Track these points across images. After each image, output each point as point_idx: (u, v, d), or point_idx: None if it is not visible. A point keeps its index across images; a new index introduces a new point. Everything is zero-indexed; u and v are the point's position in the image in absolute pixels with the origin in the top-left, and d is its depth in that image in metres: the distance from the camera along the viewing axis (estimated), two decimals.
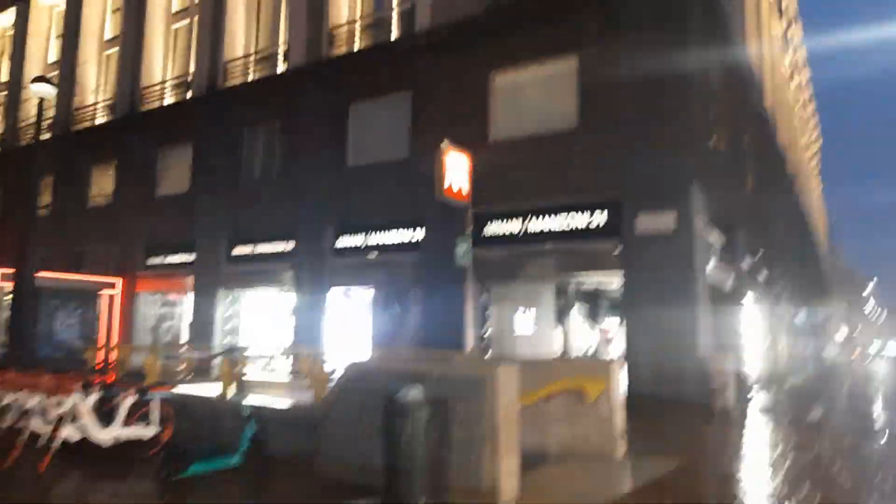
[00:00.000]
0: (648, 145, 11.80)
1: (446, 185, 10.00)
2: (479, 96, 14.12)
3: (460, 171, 10.55)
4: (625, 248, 11.89)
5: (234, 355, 6.45)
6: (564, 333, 17.03)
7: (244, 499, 5.27)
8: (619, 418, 7.28)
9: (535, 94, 13.59)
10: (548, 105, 13.31)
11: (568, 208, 12.77)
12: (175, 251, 19.80)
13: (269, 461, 5.91)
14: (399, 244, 15.22)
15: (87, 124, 23.53)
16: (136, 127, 21.14)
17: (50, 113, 25.02)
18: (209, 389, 8.15)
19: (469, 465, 5.10)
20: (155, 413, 6.31)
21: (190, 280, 19.03)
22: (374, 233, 15.66)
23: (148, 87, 21.66)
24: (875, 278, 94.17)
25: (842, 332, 64.14)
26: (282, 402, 6.67)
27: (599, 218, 12.43)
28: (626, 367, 11.59)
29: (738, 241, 15.65)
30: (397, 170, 15.06)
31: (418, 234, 14.85)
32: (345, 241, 16.20)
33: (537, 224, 13.19)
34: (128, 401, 6.19)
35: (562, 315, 17.01)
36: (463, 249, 10.49)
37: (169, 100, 21.08)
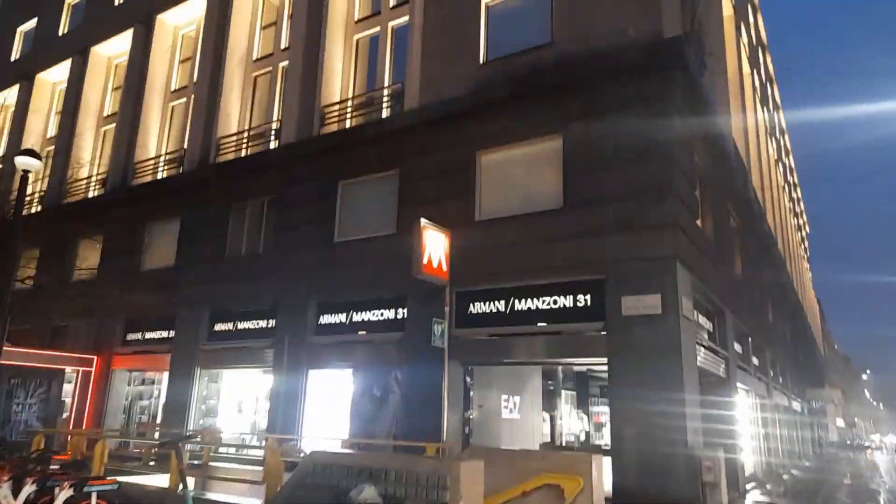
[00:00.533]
0: (632, 225, 11.72)
1: (424, 262, 9.79)
2: (466, 175, 14.19)
3: (438, 248, 10.40)
4: (610, 330, 11.57)
5: (179, 444, 5.95)
6: (553, 419, 16.44)
7: None
8: None
9: (521, 172, 13.66)
10: (533, 184, 13.35)
11: (553, 289, 12.53)
12: (155, 327, 19.33)
13: None
14: (381, 322, 14.87)
15: (79, 197, 23.59)
16: (125, 200, 21.18)
17: (43, 186, 25.31)
18: (164, 480, 7.58)
19: None
20: None
21: (168, 357, 18.46)
22: (357, 312, 15.35)
23: (141, 161, 21.87)
24: (868, 371, 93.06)
25: (839, 422, 62.61)
26: (237, 498, 6.12)
27: (584, 299, 12.18)
28: (610, 458, 11.04)
29: (727, 325, 15.36)
30: (382, 247, 14.92)
31: (401, 313, 14.53)
32: (327, 319, 15.84)
33: (522, 304, 12.92)
34: (62, 496, 5.66)
35: (550, 400, 16.47)
36: (439, 330, 10.15)
37: (161, 175, 21.21)
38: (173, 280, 18.89)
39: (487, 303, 13.39)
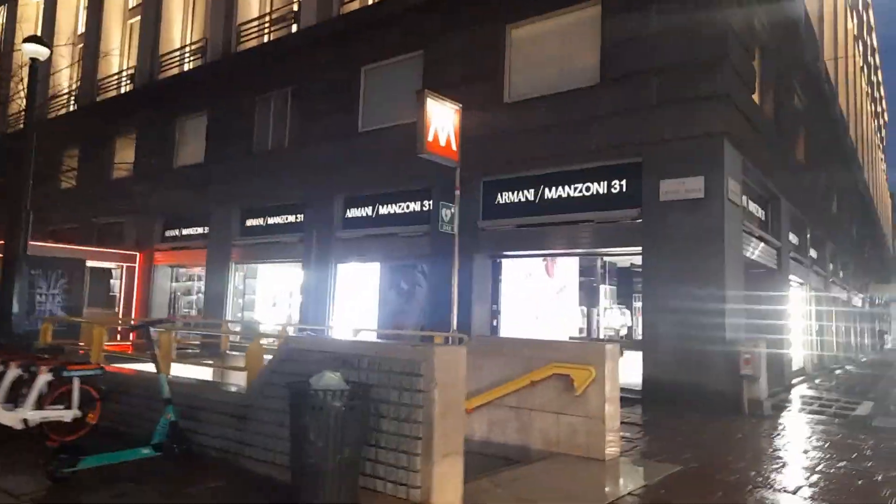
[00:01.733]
0: (676, 99, 10.46)
1: (429, 139, 8.92)
2: (495, 53, 12.94)
3: (447, 123, 9.43)
4: (646, 217, 10.63)
5: (147, 329, 5.62)
6: (590, 313, 15.90)
7: (138, 500, 4.47)
8: (613, 413, 6.19)
9: (554, 47, 12.31)
10: (567, 59, 12.04)
11: (586, 174, 11.57)
12: (191, 224, 19.42)
13: (189, 455, 5.12)
14: (408, 214, 14.30)
15: (112, 94, 23.34)
16: (153, 96, 20.74)
17: (76, 84, 25.16)
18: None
19: (398, 468, 4.17)
20: (74, 394, 5.59)
21: (204, 253, 18.60)
22: (383, 205, 14.79)
23: (166, 54, 21.22)
24: None
25: None
26: (215, 385, 5.83)
27: (619, 184, 11.19)
28: (643, 352, 10.46)
29: (782, 213, 14.07)
30: (407, 135, 14.02)
31: (427, 205, 13.88)
32: (354, 213, 15.39)
33: (553, 192, 12.03)
34: (40, 380, 5.48)
35: (589, 294, 15.87)
36: (448, 215, 9.45)
37: (186, 67, 20.57)
38: (204, 176, 18.68)
39: (516, 192, 12.56)
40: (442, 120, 9.27)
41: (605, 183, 11.36)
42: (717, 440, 7.52)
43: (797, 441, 7.58)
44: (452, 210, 9.70)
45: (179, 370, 6.96)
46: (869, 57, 39.58)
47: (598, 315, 16.49)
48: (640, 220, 10.77)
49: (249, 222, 17.81)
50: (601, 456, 6.02)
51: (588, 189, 11.57)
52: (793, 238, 15.74)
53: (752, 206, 12.76)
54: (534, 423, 6.49)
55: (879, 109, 48.22)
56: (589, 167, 11.52)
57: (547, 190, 12.12)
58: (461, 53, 13.42)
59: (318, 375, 3.99)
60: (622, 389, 11.16)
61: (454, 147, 9.38)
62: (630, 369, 10.52)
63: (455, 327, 9.98)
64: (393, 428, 4.23)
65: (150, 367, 5.84)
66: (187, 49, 20.84)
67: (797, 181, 15.66)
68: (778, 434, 8.01)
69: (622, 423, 8.37)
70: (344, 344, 5.05)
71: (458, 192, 9.94)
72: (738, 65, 10.69)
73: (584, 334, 15.17)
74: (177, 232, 19.93)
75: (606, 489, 5.24)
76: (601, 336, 16.43)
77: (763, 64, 13.10)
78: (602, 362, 6.12)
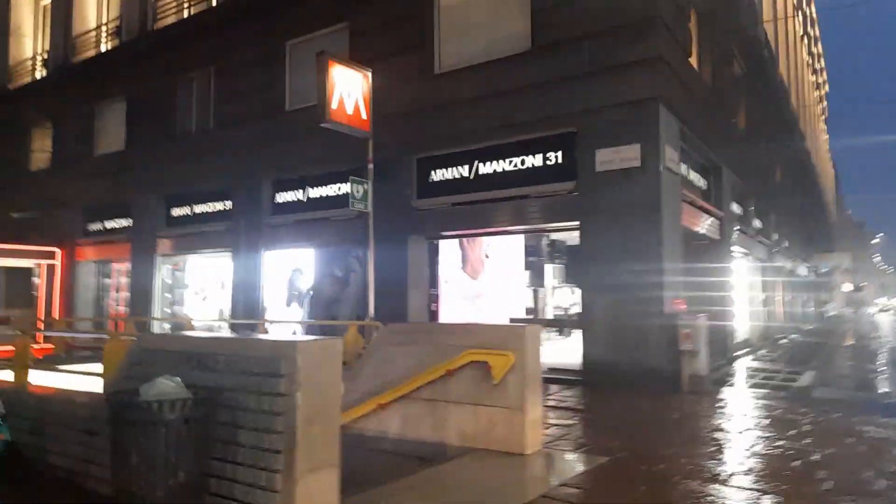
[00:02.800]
0: (609, 65, 9.92)
1: (333, 106, 8.15)
2: (423, 21, 12.19)
3: (354, 89, 8.67)
4: (582, 190, 10.12)
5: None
6: (536, 293, 15.45)
7: None
8: (534, 401, 5.64)
9: (484, 13, 11.64)
10: (498, 26, 11.39)
11: (519, 147, 10.99)
12: (113, 215, 18.21)
13: (28, 477, 4.35)
14: (340, 197, 13.47)
15: (26, 80, 21.69)
16: (69, 80, 19.30)
17: None
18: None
19: (256, 487, 3.49)
20: None
21: (129, 246, 17.45)
22: (314, 187, 13.96)
23: (81, 34, 19.76)
24: (882, 234, 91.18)
25: (846, 287, 62.26)
26: (67, 395, 5.03)
27: (554, 156, 10.64)
28: (582, 331, 10.00)
29: (724, 183, 13.80)
30: None
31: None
32: (284, 197, 14.51)
33: (487, 167, 11.42)
34: None
35: (536, 274, 15.40)
36: (360, 191, 8.73)
37: (103, 48, 19.17)
38: (125, 164, 17.49)
39: (451, 168, 11.91)
40: (348, 86, 8.51)
41: (541, 155, 10.81)
42: (652, 423, 7.07)
43: (736, 418, 7.20)
44: (365, 186, 8.97)
45: (41, 378, 6.13)
46: (809, 28, 40.11)
47: (546, 294, 16.11)
48: (576, 193, 10.26)
49: (175, 212, 16.74)
50: (521, 450, 5.46)
51: (524, 163, 11.00)
52: (735, 208, 15.54)
53: (693, 176, 12.41)
54: (450, 416, 5.90)
55: (820, 80, 49.18)
56: (524, 139, 10.94)
57: (482, 165, 11.51)
58: (387, 24, 12.65)
59: (150, 383, 3.28)
60: (563, 371, 10.78)
61: (364, 115, 8.62)
62: (575, 350, 10.08)
63: (372, 314, 9.31)
64: (251, 440, 3.55)
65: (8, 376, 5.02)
66: (103, 29, 19.42)
67: (739, 150, 15.43)
68: (716, 412, 7.63)
69: (557, 407, 7.90)
70: (198, 341, 4.32)
71: (370, 166, 9.26)
72: (671, 26, 10.21)
73: (533, 316, 14.72)
74: (100, 225, 18.67)
75: (517, 491, 4.67)
76: (551, 316, 16.06)
77: (700, 28, 12.70)
78: (521, 346, 5.54)
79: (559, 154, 10.58)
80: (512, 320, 11.99)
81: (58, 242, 18.97)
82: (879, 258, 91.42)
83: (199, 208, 16.18)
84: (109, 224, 18.34)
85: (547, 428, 6.65)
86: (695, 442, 6.08)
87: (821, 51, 49.77)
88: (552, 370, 10.71)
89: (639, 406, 7.99)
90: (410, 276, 12.10)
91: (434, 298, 12.63)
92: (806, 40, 37.58)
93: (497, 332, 5.77)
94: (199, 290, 16.77)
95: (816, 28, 46.11)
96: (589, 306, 9.90)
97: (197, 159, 15.70)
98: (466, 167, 11.68)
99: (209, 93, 16.02)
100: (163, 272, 16.96)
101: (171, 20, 17.05)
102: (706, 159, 13.00)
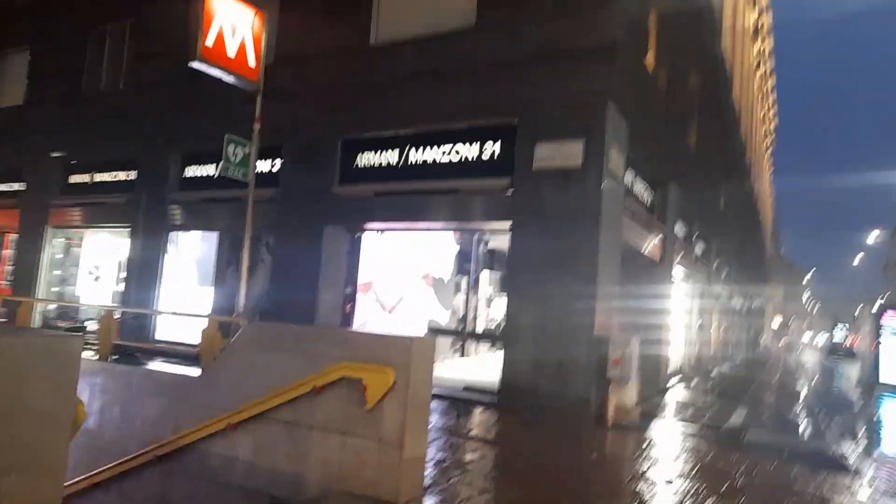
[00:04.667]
0: (557, 51, 8.89)
1: (208, 43, 6.77)
2: None
3: (241, 27, 7.28)
4: (517, 188, 9.04)
5: None
6: (467, 302, 14.32)
7: None
8: (416, 435, 4.44)
9: None
10: None
11: (455, 135, 9.83)
12: (3, 178, 16.13)
13: None
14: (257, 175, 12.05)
15: None
16: None
17: None
18: None
19: None
20: None
21: (17, 213, 15.45)
22: None
23: None
24: (813, 269, 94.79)
25: (776, 321, 63.97)
26: None
27: (492, 148, 9.54)
28: (504, 348, 8.89)
29: (669, 200, 13.03)
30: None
31: (276, 165, 11.73)
32: (194, 171, 12.94)
33: (419, 155, 10.21)
34: None
35: (470, 276, 14.28)
36: (238, 152, 7.37)
37: None
38: (22, 121, 15.50)
39: (379, 152, 10.65)
40: (233, 22, 7.11)
41: (478, 145, 9.66)
42: (567, 466, 5.97)
43: (660, 465, 6.19)
44: (246, 149, 7.60)
45: None
46: (763, 62, 40.73)
47: (478, 304, 14.99)
48: (510, 191, 9.16)
49: (73, 178, 14.88)
50: (394, 498, 4.24)
51: (457, 153, 9.83)
52: (679, 229, 14.85)
53: (639, 188, 11.53)
54: (312, 446, 4.64)
55: (770, 115, 50.28)
56: (461, 127, 9.80)
57: (413, 151, 10.29)
58: None
59: None
60: (479, 391, 9.65)
61: (251, 63, 7.25)
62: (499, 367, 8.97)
63: (242, 309, 7.95)
64: None
65: None
66: None
67: (687, 168, 14.74)
68: (640, 454, 6.61)
69: (460, 435, 6.73)
70: None
71: (257, 126, 7.90)
72: (628, 15, 9.28)
73: (461, 327, 13.59)
74: None
75: None
76: (480, 330, 14.95)
77: (660, 31, 11.88)
78: (406, 363, 4.33)
79: (496, 146, 9.47)
80: (431, 331, 10.78)
81: None
82: (807, 295, 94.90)
83: (101, 177, 14.38)
84: (0, 186, 16.25)
85: (439, 464, 5.46)
86: (612, 496, 5.01)
87: (773, 84, 50.85)
88: (468, 389, 9.57)
89: (556, 442, 6.91)
90: (324, 272, 10.77)
91: (349, 299, 11.32)
92: (759, 71, 38.04)
93: (379, 342, 4.54)
94: (92, 269, 14.92)
95: (772, 60, 47.00)
96: (513, 319, 8.79)
97: (102, 122, 13.95)
98: (396, 153, 10.45)
99: (123, 51, 14.29)
100: (54, 246, 15.04)
101: None
102: (653, 172, 12.17)
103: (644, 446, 6.96)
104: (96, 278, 14.83)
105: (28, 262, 14.82)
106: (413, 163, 10.26)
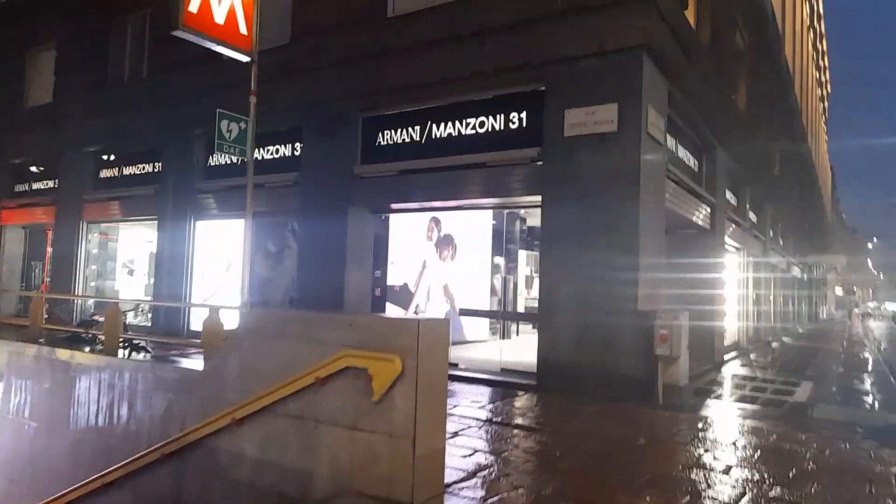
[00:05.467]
0: (586, 7, 8.17)
1: (192, 8, 6.33)
2: None
3: None
4: (547, 158, 8.40)
5: None
6: (506, 282, 13.78)
7: None
8: (430, 428, 3.96)
9: None
10: None
11: (479, 107, 9.26)
12: (41, 175, 16.38)
13: None
14: (276, 161, 11.77)
15: None
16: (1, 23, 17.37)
17: None
18: None
19: None
20: None
21: (53, 210, 15.62)
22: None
23: None
24: (875, 239, 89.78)
25: (839, 290, 61.01)
26: None
27: (518, 118, 8.92)
28: (539, 327, 8.31)
29: (718, 165, 12.12)
30: (272, 59, 11.47)
31: (298, 149, 11.39)
32: (217, 158, 12.74)
33: (441, 130, 9.69)
34: None
35: (508, 259, 13.74)
36: (232, 129, 6.95)
37: None
38: (53, 117, 15.62)
39: (400, 130, 10.18)
40: None
41: (503, 116, 9.08)
42: (612, 452, 5.40)
43: (720, 448, 5.55)
44: (242, 125, 7.18)
45: None
46: (815, 22, 38.33)
47: (514, 286, 14.44)
48: (540, 162, 8.53)
49: (104, 173, 14.93)
50: (407, 497, 3.79)
51: (482, 125, 9.27)
52: (730, 196, 13.88)
53: (683, 153, 10.72)
54: (322, 440, 4.22)
55: (823, 79, 47.48)
56: (485, 98, 9.21)
57: (435, 127, 9.77)
58: None
59: None
60: (518, 374, 9.13)
61: (243, 30, 6.80)
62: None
63: (247, 297, 7.57)
64: None
65: None
66: None
67: (737, 132, 13.72)
68: (694, 437, 5.97)
69: (494, 422, 6.24)
70: None
71: (253, 99, 7.47)
72: None
73: (500, 307, 13.07)
74: (26, 185, 16.82)
75: None
76: (522, 310, 14.37)
77: None
78: (414, 348, 3.84)
79: (524, 115, 8.85)
80: (462, 311, 10.28)
81: None
82: (870, 263, 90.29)
83: (130, 169, 14.38)
84: (37, 184, 16.51)
85: (469, 454, 4.99)
86: (663, 486, 4.43)
87: (825, 48, 47.96)
88: (505, 371, 9.07)
89: (600, 425, 6.33)
90: (350, 256, 10.38)
91: (379, 282, 10.93)
92: (812, 34, 35.78)
93: (385, 326, 4.06)
94: (126, 263, 14.99)
95: (822, 24, 44.27)
96: (548, 297, 8.20)
97: (128, 113, 13.86)
98: (418, 129, 9.95)
99: (144, 37, 14.17)
100: (90, 241, 15.15)
101: None
102: (699, 135, 11.31)
103: (699, 428, 6.32)
104: (130, 272, 14.87)
105: (66, 258, 14.96)
106: (437, 137, 9.74)
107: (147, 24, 14.12)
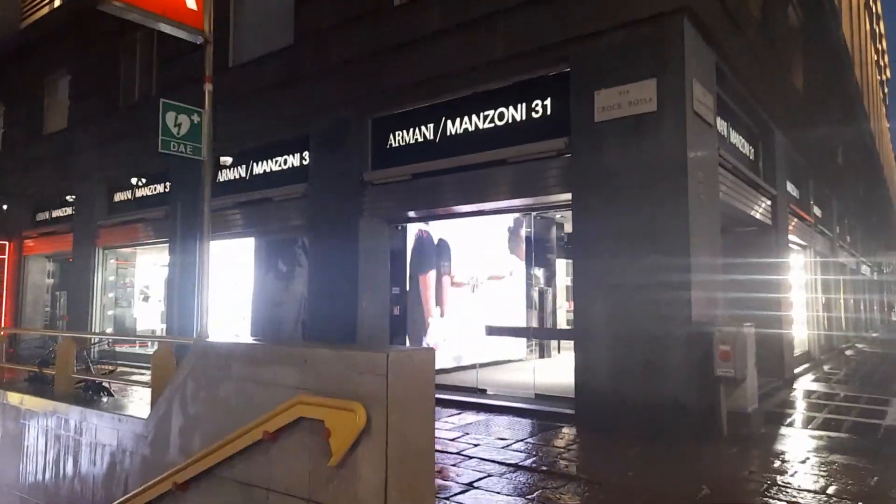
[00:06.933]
0: None
1: None
2: None
3: None
4: (576, 148, 7.25)
5: None
6: (542, 294, 12.61)
7: None
8: (408, 499, 2.86)
9: None
10: None
11: (496, 97, 8.19)
12: (60, 203, 16.04)
13: None
14: (282, 172, 10.94)
15: None
16: (15, 50, 17.25)
17: None
18: None
19: None
20: None
21: (71, 238, 15.22)
22: (257, 161, 11.43)
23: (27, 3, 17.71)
24: None
25: None
26: None
27: (541, 105, 7.81)
28: (575, 348, 7.10)
29: (777, 152, 10.70)
30: (280, 65, 10.74)
31: (304, 158, 10.53)
32: (225, 174, 12.04)
33: (457, 126, 8.64)
34: None
35: (540, 264, 12.60)
36: (186, 125, 6.00)
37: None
38: (69, 145, 15.29)
39: (412, 130, 9.18)
40: None
41: (524, 105, 7.98)
42: None
43: (799, 496, 4.26)
44: (194, 118, 6.24)
45: None
46: (871, 2, 35.91)
47: (553, 299, 13.23)
48: (568, 154, 7.39)
49: (118, 196, 14.44)
50: None
51: (501, 116, 8.18)
52: (791, 188, 12.37)
53: (736, 139, 9.38)
54: None
55: (882, 63, 44.58)
56: (503, 86, 8.14)
57: (450, 123, 8.74)
58: None
59: None
60: (553, 400, 7.91)
61: (192, 4, 5.86)
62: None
63: (203, 327, 6.60)
64: None
65: None
66: None
67: (796, 116, 12.24)
68: (772, 484, 4.68)
69: (518, 467, 5.09)
70: None
71: (208, 88, 6.56)
72: None
73: (538, 324, 11.91)
74: (47, 214, 16.54)
75: None
76: (564, 325, 13.15)
77: None
78: (379, 394, 2.77)
79: (547, 102, 7.73)
80: (488, 329, 9.13)
81: (6, 235, 16.95)
82: None
83: (141, 192, 13.84)
84: (57, 212, 16.19)
85: None
86: None
87: (883, 31, 45.10)
88: (540, 397, 7.88)
89: (645, 471, 5.09)
90: (363, 272, 9.38)
91: (397, 300, 9.89)
92: (868, 16, 33.44)
93: (343, 362, 3.00)
94: (143, 289, 14.41)
95: (878, 5, 41.60)
96: (583, 313, 7.00)
97: (138, 133, 13.27)
98: (431, 126, 8.93)
99: (152, 57, 13.67)
100: (107, 268, 14.66)
101: None
102: (753, 119, 9.95)
103: (774, 468, 5.02)
104: (145, 298, 14.27)
105: (83, 286, 14.48)
106: (452, 134, 8.70)
107: (154, 44, 13.60)
